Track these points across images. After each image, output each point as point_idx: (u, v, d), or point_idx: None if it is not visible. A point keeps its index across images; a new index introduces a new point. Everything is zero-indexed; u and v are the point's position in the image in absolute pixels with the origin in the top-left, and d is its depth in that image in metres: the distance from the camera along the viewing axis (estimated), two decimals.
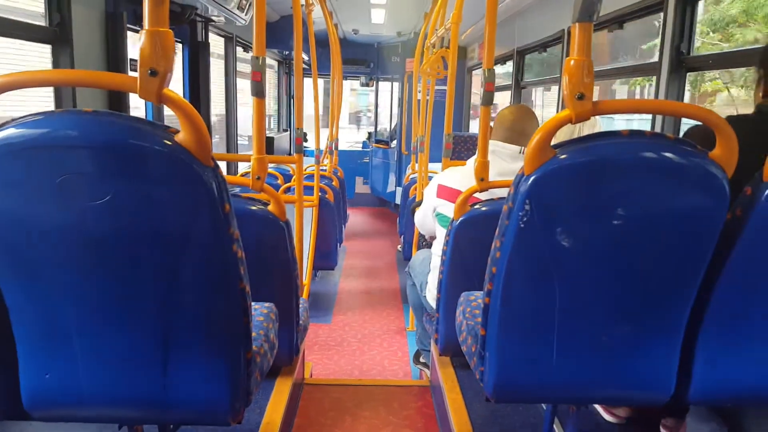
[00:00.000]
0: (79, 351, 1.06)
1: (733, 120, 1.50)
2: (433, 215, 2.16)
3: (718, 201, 1.04)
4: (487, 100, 1.81)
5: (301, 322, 2.01)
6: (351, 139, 10.17)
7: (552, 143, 1.06)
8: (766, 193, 1.04)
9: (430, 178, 3.48)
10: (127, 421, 1.22)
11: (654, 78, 2.06)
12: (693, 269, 1.11)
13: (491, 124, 1.93)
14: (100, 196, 0.94)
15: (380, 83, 8.21)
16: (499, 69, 4.72)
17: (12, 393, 1.08)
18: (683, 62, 1.93)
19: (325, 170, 4.79)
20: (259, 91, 1.76)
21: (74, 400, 1.11)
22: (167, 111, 3.15)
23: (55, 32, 2.06)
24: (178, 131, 0.94)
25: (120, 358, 1.07)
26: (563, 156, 1.05)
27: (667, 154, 1.03)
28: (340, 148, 6.19)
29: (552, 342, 1.20)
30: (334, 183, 4.65)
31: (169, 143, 0.92)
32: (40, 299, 1.03)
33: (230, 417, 1.15)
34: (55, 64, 2.10)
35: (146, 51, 0.88)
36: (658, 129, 2.11)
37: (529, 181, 1.07)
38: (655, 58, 2.05)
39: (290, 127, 7.89)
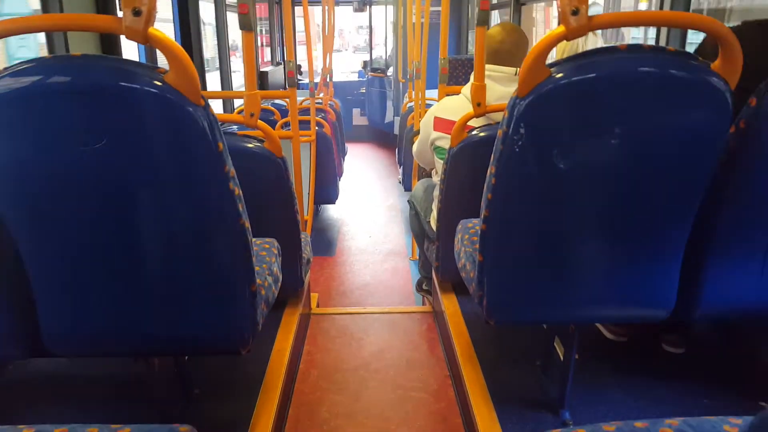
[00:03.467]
0: (91, 290, 1.10)
1: (747, 27, 1.44)
2: (431, 148, 2.13)
3: (720, 114, 1.01)
4: (483, 20, 1.73)
5: (304, 255, 2.05)
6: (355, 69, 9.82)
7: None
8: None
9: (428, 105, 3.42)
10: (143, 353, 1.28)
11: None
12: (695, 185, 1.09)
13: None
14: (95, 141, 0.94)
15: (374, 7, 7.87)
16: None
17: (33, 333, 1.12)
18: None
19: (321, 103, 4.69)
20: (246, 24, 1.69)
21: (90, 337, 1.17)
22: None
23: None
24: (167, 71, 0.92)
25: (131, 295, 1.11)
26: (559, 75, 1.02)
27: (667, 68, 0.99)
28: (336, 79, 6.03)
29: (550, 264, 1.21)
30: (330, 116, 4.56)
31: (159, 83, 0.91)
32: (48, 243, 1.05)
33: (240, 346, 1.20)
34: (44, 9, 2.02)
35: None
36: (663, 45, 2.03)
37: (524, 104, 1.04)
38: None
39: (284, 60, 7.66)
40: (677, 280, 1.20)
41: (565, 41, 1.07)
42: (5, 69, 0.92)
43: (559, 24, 1.00)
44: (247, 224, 1.11)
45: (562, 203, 1.13)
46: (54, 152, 0.95)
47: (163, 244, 1.06)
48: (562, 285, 1.23)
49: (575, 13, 0.96)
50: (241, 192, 1.08)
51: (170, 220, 1.03)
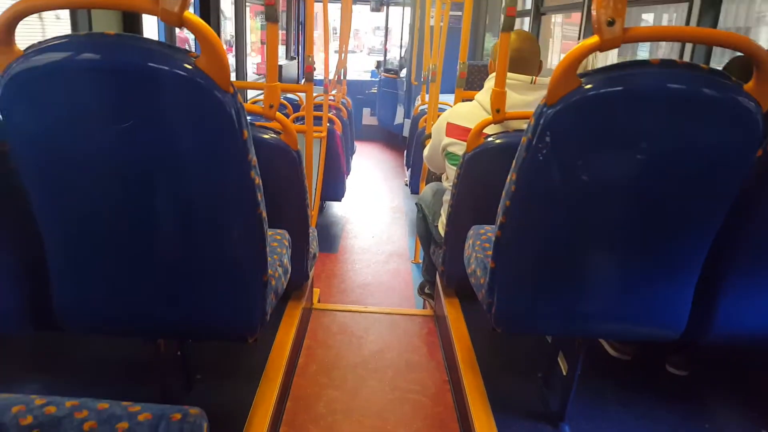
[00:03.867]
0: (106, 268, 1.10)
1: None
2: (442, 154, 2.12)
3: (750, 136, 1.00)
4: (508, 26, 1.73)
5: (311, 250, 2.04)
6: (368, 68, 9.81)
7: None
8: None
9: (441, 109, 3.41)
10: (153, 334, 1.28)
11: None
12: (717, 206, 1.08)
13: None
14: (123, 120, 0.95)
15: (391, 8, 7.87)
16: None
17: (45, 306, 1.12)
18: None
19: (334, 100, 4.69)
20: (272, 15, 1.69)
21: (102, 315, 1.17)
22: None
23: None
24: (198, 56, 0.92)
25: (145, 275, 1.11)
26: (588, 86, 1.01)
27: (699, 86, 0.98)
28: (349, 78, 6.02)
29: (563, 275, 1.20)
30: (342, 113, 4.56)
31: (190, 67, 0.91)
32: (68, 218, 1.05)
33: (248, 334, 1.20)
34: None
35: None
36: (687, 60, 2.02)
37: (551, 112, 1.03)
38: None
39: (298, 54, 7.66)
40: (690, 301, 1.19)
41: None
42: (39, 43, 0.92)
43: (586, 36, 1.00)
44: (264, 214, 1.11)
45: (581, 215, 1.13)
46: (81, 129, 0.95)
47: (181, 227, 1.06)
48: (574, 297, 1.22)
49: (611, 24, 0.95)
50: (260, 181, 1.07)
51: (190, 204, 1.03)
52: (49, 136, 0.96)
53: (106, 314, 1.16)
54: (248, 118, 2.73)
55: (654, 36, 1.03)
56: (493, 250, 1.27)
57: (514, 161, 1.15)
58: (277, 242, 1.46)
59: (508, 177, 1.18)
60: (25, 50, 0.92)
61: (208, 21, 3.25)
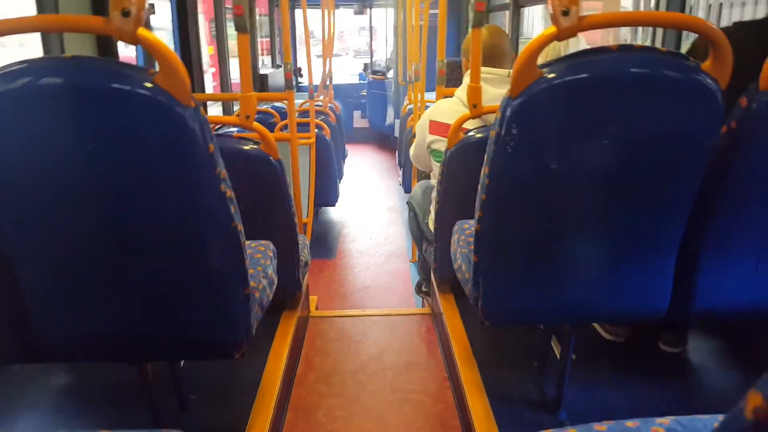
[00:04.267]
0: (83, 293, 1.10)
1: (737, 27, 1.44)
2: (427, 152, 2.13)
3: (712, 114, 1.00)
4: (478, 21, 1.73)
5: (301, 258, 2.04)
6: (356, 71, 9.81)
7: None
8: (762, 102, 1.01)
9: (428, 107, 3.42)
10: (135, 358, 1.28)
11: None
12: (687, 185, 1.09)
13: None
14: (86, 142, 0.94)
15: (374, 10, 7.88)
16: None
17: (26, 337, 1.12)
18: None
19: (321, 106, 4.70)
20: (241, 26, 1.70)
21: (82, 341, 1.16)
22: None
23: None
24: (156, 72, 0.92)
25: (123, 299, 1.10)
26: (551, 76, 1.01)
27: (658, 68, 0.98)
28: (338, 82, 6.03)
29: (544, 265, 1.21)
30: (330, 118, 4.57)
31: (149, 85, 0.91)
32: (39, 246, 1.05)
33: (234, 350, 1.20)
34: (40, 10, 2.02)
35: None
36: (659, 46, 2.03)
37: (516, 104, 1.04)
38: None
39: (282, 62, 7.67)
40: (671, 279, 1.20)
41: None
42: None
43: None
44: (240, 227, 1.11)
45: (555, 204, 1.13)
46: (45, 154, 0.95)
47: (154, 246, 1.06)
48: (556, 285, 1.23)
49: (566, 13, 0.95)
50: (233, 194, 1.08)
51: (161, 222, 1.03)
52: (13, 163, 0.96)
53: (87, 340, 1.15)
54: (234, 129, 2.72)
55: (609, 22, 1.04)
56: (474, 244, 1.27)
57: (485, 155, 1.16)
58: (261, 254, 1.47)
59: (482, 171, 1.18)
60: None
61: (187, 38, 3.26)
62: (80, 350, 1.18)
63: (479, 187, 1.21)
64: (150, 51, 0.90)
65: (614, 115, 1.03)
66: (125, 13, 0.86)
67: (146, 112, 0.92)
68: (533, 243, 1.19)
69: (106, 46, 2.04)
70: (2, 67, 0.92)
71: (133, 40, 0.88)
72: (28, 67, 0.92)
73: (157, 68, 0.92)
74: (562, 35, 0.97)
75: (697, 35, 1.17)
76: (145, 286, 1.09)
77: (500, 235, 1.22)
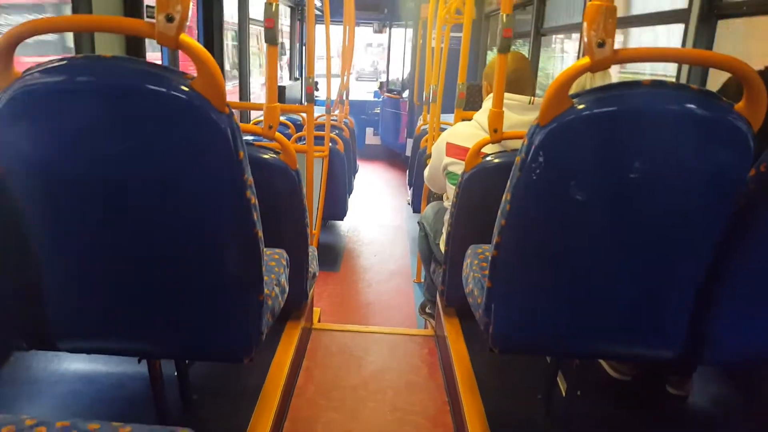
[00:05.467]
0: (102, 289, 1.11)
1: None
2: (443, 174, 2.14)
3: (742, 156, 1.00)
4: (504, 48, 1.75)
5: (310, 269, 2.04)
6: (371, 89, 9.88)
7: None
8: None
9: (443, 129, 3.44)
10: (146, 354, 1.28)
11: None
12: (711, 226, 1.08)
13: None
14: (120, 141, 0.96)
15: (393, 30, 7.97)
16: (519, 16, 4.55)
17: (40, 325, 1.13)
18: (714, 8, 1.84)
19: (336, 120, 4.73)
20: (271, 38, 1.72)
21: (97, 334, 1.17)
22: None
23: None
24: (194, 77, 0.94)
25: (140, 296, 1.11)
26: (581, 106, 1.02)
27: (690, 106, 0.99)
28: (352, 98, 6.08)
29: (559, 295, 1.20)
30: (344, 133, 4.60)
31: (186, 89, 0.92)
32: (66, 240, 1.06)
33: (243, 355, 1.19)
34: (75, 10, 2.06)
35: None
36: (683, 81, 2.03)
37: (544, 132, 1.04)
38: (684, 5, 1.95)
39: (302, 75, 7.75)
40: (687, 320, 1.18)
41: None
42: (37, 65, 0.93)
43: (583, 55, 1.01)
44: (260, 234, 1.11)
45: (576, 235, 1.13)
46: (78, 150, 0.96)
47: (176, 246, 1.06)
48: (570, 317, 1.21)
49: (601, 45, 0.96)
50: (256, 201, 1.08)
51: (186, 223, 1.04)
52: (47, 158, 0.97)
53: (101, 333, 1.16)
54: (250, 137, 2.74)
55: (643, 57, 1.04)
56: (489, 269, 1.26)
57: (508, 181, 1.16)
58: (275, 261, 1.47)
59: (503, 196, 1.18)
60: (23, 72, 0.94)
61: (211, 45, 3.31)
62: (94, 341, 1.18)
63: (499, 212, 1.21)
64: (191, 56, 0.92)
65: (642, 150, 1.03)
66: (169, 19, 0.88)
67: (181, 115, 0.93)
68: (550, 273, 1.18)
69: (135, 47, 2.07)
70: (43, 63, 0.93)
71: (175, 45, 0.90)
72: (68, 64, 0.93)
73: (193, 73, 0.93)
74: (595, 67, 0.98)
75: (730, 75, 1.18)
76: (164, 284, 1.09)
77: (517, 262, 1.21)
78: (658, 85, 1.01)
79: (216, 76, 0.92)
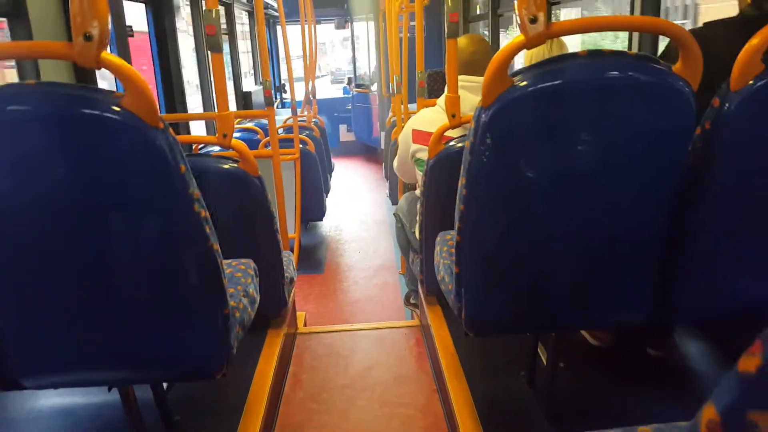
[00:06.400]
0: (60, 320, 1.08)
1: (708, 27, 1.45)
2: (412, 161, 2.13)
3: (684, 116, 1.00)
4: (453, 32, 1.74)
5: (286, 275, 2.02)
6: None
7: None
8: (734, 103, 1.01)
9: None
10: (115, 382, 1.25)
11: None
12: (663, 188, 1.09)
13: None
14: (58, 167, 0.94)
15: (356, 24, 7.93)
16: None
17: (2, 365, 1.09)
18: None
19: (305, 121, 4.70)
20: (214, 45, 1.70)
21: (60, 368, 1.14)
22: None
23: (9, 3, 1.96)
24: (123, 95, 0.91)
25: (99, 323, 1.08)
26: (522, 84, 1.01)
27: (629, 72, 0.99)
28: (322, 96, 6.04)
29: (524, 272, 1.20)
30: (315, 133, 4.57)
31: (116, 108, 0.90)
32: (11, 270, 1.03)
33: (215, 371, 1.17)
34: (14, 37, 2.01)
35: (77, 16, 0.85)
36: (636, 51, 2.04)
37: (489, 113, 1.04)
38: None
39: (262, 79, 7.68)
40: (651, 284, 1.19)
41: (526, 50, 1.08)
42: None
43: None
44: (216, 246, 1.10)
45: (533, 211, 1.13)
46: (15, 179, 0.94)
47: (130, 268, 1.04)
48: (536, 293, 1.22)
49: (533, 21, 0.96)
50: (207, 214, 1.06)
51: (136, 244, 1.02)
52: None
53: (64, 367, 1.13)
54: (217, 148, 2.69)
55: (576, 28, 1.04)
56: (455, 254, 1.26)
57: (461, 165, 1.15)
58: (241, 272, 1.45)
59: (459, 182, 1.18)
60: None
61: (167, 55, 3.25)
62: (59, 376, 1.15)
63: (457, 197, 1.20)
64: (115, 74, 0.90)
65: (586, 120, 1.03)
66: (87, 38, 0.85)
67: (115, 135, 0.91)
68: (512, 251, 1.18)
69: (83, 69, 2.02)
70: None
71: (95, 64, 0.87)
72: None
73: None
74: (530, 43, 0.98)
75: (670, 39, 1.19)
76: (123, 308, 1.07)
77: (479, 245, 1.21)
78: (595, 54, 1.01)
79: (145, 92, 0.90)
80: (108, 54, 0.88)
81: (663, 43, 2.01)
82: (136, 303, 1.07)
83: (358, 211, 5.47)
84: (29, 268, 1.03)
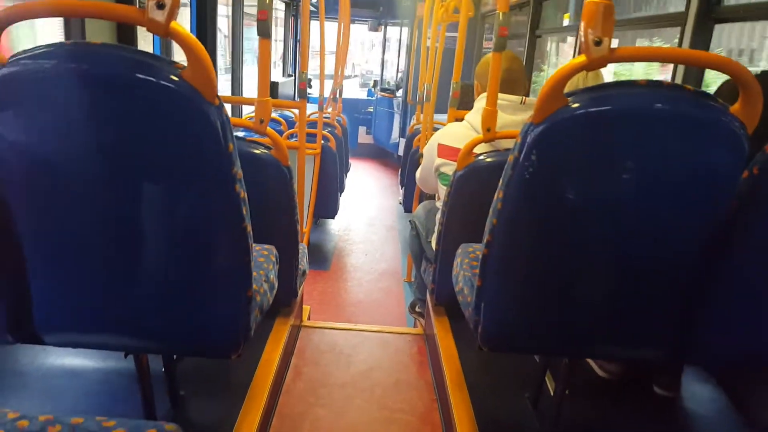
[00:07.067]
0: (86, 280, 1.08)
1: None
2: (435, 175, 2.13)
3: (735, 158, 1.00)
4: (500, 46, 1.74)
5: (300, 266, 2.03)
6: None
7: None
8: None
9: (436, 128, 3.43)
10: (133, 349, 1.26)
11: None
12: (703, 228, 1.08)
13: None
14: (107, 130, 0.94)
15: (389, 28, 7.96)
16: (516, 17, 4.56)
17: (27, 318, 1.10)
18: (712, 12, 1.85)
19: (329, 117, 4.71)
20: (264, 31, 1.70)
21: (84, 328, 1.15)
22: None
23: None
24: (185, 67, 0.92)
25: (128, 289, 1.09)
26: (575, 105, 1.01)
27: (685, 107, 0.98)
28: (346, 96, 6.06)
29: (549, 294, 1.19)
30: (337, 131, 4.58)
31: (176, 79, 0.90)
32: (50, 230, 1.04)
33: (231, 351, 1.17)
34: None
35: None
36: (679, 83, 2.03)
37: (538, 131, 1.03)
38: (681, 8, 1.96)
39: (294, 72, 7.72)
40: (674, 321, 1.18)
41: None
42: (24, 51, 0.91)
43: (579, 53, 1.00)
44: (249, 228, 1.10)
45: (567, 234, 1.12)
46: (64, 138, 0.95)
47: (163, 239, 1.05)
48: (559, 316, 1.21)
49: (598, 43, 0.96)
50: (246, 195, 1.07)
51: (173, 216, 1.02)
52: (32, 145, 0.95)
53: (88, 328, 1.13)
54: (242, 133, 2.73)
55: (640, 56, 1.04)
56: (480, 268, 1.26)
57: (501, 179, 1.15)
58: (264, 257, 1.45)
59: (495, 195, 1.18)
60: (10, 57, 0.91)
61: (204, 36, 3.28)
62: (81, 336, 1.16)
63: (491, 210, 1.20)
64: (181, 45, 0.90)
65: (635, 150, 1.02)
66: (159, 6, 0.86)
67: (170, 105, 0.92)
68: (540, 271, 1.18)
69: (126, 36, 2.04)
70: (31, 49, 0.91)
71: (165, 33, 0.88)
72: (56, 51, 0.91)
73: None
74: (592, 65, 0.98)
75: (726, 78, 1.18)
76: (151, 278, 1.07)
77: (507, 261, 1.21)
78: (653, 85, 1.01)
79: (207, 67, 0.91)
80: (177, 24, 0.89)
81: (709, 78, 2.00)
82: (165, 273, 1.07)
83: (369, 214, 5.47)
84: (65, 227, 1.03)
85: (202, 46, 0.92)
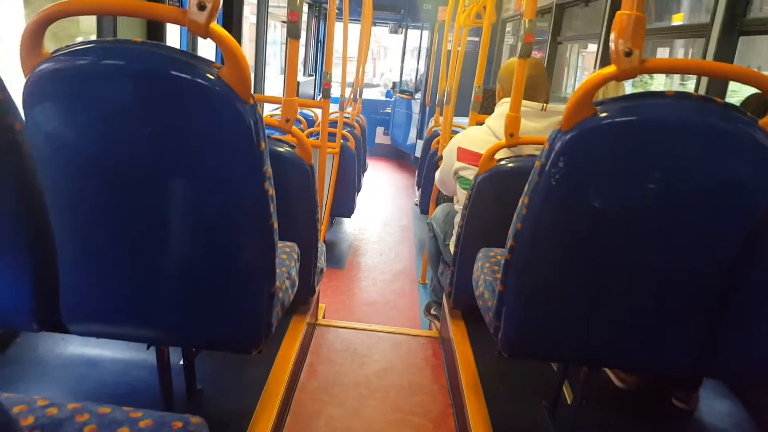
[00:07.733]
0: (114, 272, 1.11)
1: None
2: (454, 178, 2.14)
3: (763, 171, 0.99)
4: (525, 52, 1.75)
5: (318, 264, 2.04)
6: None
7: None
8: None
9: (455, 131, 3.43)
10: (156, 341, 1.28)
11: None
12: (729, 239, 1.07)
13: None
14: (144, 125, 0.97)
15: (409, 31, 7.97)
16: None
17: (51, 306, 1.13)
18: (737, 24, 1.84)
19: (348, 118, 4.74)
20: (294, 32, 1.73)
21: (108, 318, 1.17)
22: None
23: None
24: (221, 66, 0.94)
25: (154, 282, 1.11)
26: (603, 114, 1.01)
27: (714, 119, 0.98)
28: (364, 97, 6.09)
29: (572, 302, 1.19)
30: (356, 131, 4.60)
31: (213, 78, 0.93)
32: (82, 221, 1.07)
33: (252, 346, 1.19)
34: None
35: None
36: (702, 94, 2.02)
37: (566, 139, 1.04)
38: (706, 19, 1.95)
39: (316, 72, 7.77)
40: (697, 334, 1.18)
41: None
42: (66, 46, 0.94)
43: (602, 66, 1.00)
44: (275, 225, 1.12)
45: (592, 242, 1.12)
46: (102, 132, 0.97)
47: (192, 234, 1.07)
48: (582, 325, 1.21)
49: (628, 54, 0.96)
50: (273, 193, 1.08)
51: (203, 212, 1.04)
52: (70, 138, 0.98)
53: (111, 318, 1.16)
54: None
55: (671, 68, 1.04)
56: (502, 273, 1.26)
57: (526, 185, 1.16)
58: (286, 255, 1.47)
59: (520, 200, 1.18)
60: (52, 52, 0.94)
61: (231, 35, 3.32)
62: (105, 326, 1.18)
63: (515, 216, 1.20)
64: (220, 46, 0.92)
65: (663, 161, 1.02)
66: (201, 7, 0.88)
67: (206, 103, 0.94)
68: (563, 278, 1.18)
69: (155, 34, 2.08)
70: (72, 45, 0.94)
71: (205, 33, 0.90)
72: (97, 47, 0.94)
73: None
74: (622, 75, 0.98)
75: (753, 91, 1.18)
76: (178, 271, 1.09)
77: (530, 266, 1.21)
78: (682, 96, 1.00)
79: (243, 67, 0.93)
80: (216, 25, 0.91)
81: (732, 90, 1.99)
82: (192, 267, 1.09)
83: (385, 214, 5.48)
84: (97, 218, 1.06)
85: (239, 47, 0.94)
